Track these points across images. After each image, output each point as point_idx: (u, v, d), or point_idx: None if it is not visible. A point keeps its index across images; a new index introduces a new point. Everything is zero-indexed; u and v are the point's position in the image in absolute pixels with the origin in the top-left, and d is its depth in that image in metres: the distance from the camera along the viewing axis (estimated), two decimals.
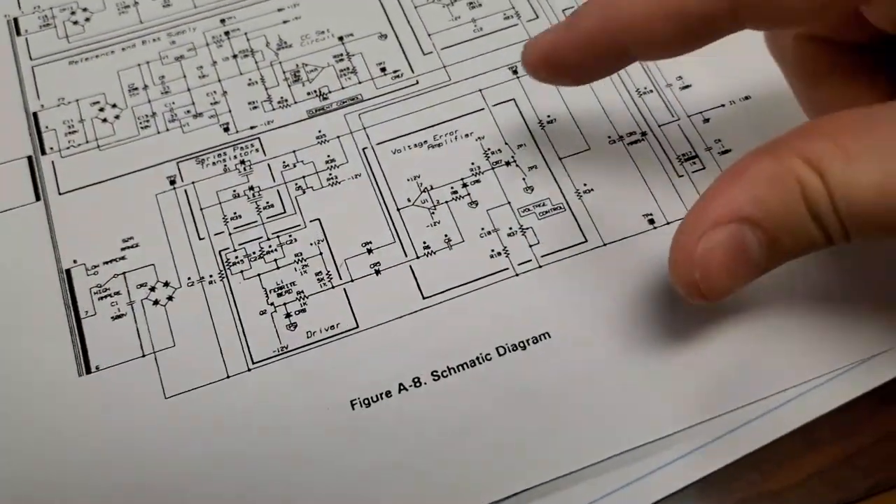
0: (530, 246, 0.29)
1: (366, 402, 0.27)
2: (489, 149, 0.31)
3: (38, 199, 0.31)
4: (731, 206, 0.20)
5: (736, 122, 0.31)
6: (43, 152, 0.31)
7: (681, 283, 0.21)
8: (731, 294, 0.21)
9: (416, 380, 0.27)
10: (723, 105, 0.32)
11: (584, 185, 0.30)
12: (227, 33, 0.34)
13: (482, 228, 0.29)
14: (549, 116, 0.32)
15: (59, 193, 0.31)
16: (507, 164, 0.31)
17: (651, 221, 0.29)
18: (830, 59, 0.26)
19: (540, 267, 0.29)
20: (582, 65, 0.25)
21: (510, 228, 0.29)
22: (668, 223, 0.29)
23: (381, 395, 0.27)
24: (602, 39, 0.23)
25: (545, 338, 0.27)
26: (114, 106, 0.32)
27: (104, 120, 0.32)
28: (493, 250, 0.29)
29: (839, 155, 0.19)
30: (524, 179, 0.30)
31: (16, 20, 0.35)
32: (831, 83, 0.26)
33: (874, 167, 0.19)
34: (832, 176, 0.19)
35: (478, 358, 0.27)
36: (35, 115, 0.32)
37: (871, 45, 0.25)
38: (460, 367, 0.27)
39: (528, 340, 0.27)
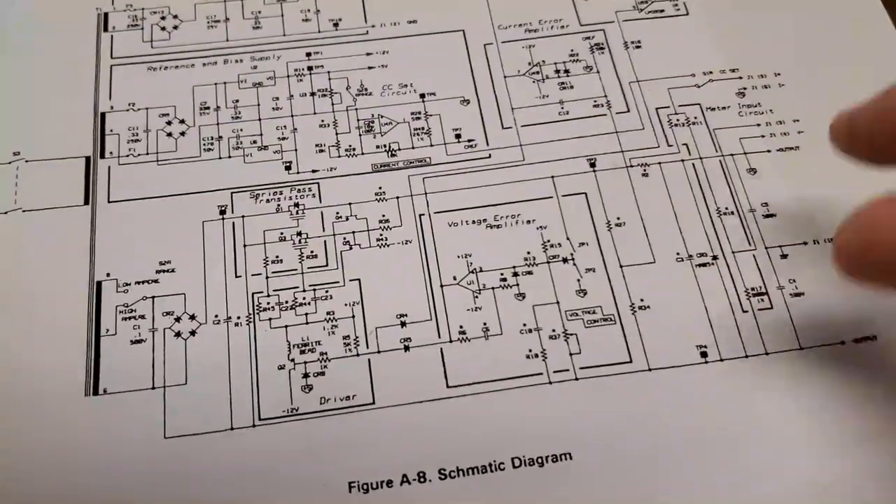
0: (571, 354, 0.27)
1: (364, 487, 0.25)
2: (549, 241, 0.29)
3: (86, 202, 0.30)
4: None
5: (815, 265, 0.29)
6: (102, 156, 0.31)
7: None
8: None
9: (421, 474, 0.26)
10: (805, 243, 0.29)
11: (641, 300, 0.28)
12: (310, 68, 0.33)
13: (524, 324, 0.28)
14: (618, 219, 0.30)
15: (109, 201, 0.30)
16: (565, 260, 0.29)
17: (704, 355, 0.27)
18: None
19: (576, 379, 0.27)
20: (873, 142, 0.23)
21: (553, 331, 0.28)
22: (721, 360, 0.27)
23: (381, 483, 0.25)
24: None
25: (566, 458, 0.26)
26: (182, 122, 0.32)
27: (169, 134, 0.31)
28: (530, 350, 0.28)
29: None
30: (579, 281, 0.29)
31: (106, 15, 0.34)
32: None
33: None
34: None
35: (490, 465, 0.26)
36: (103, 115, 0.32)
37: None
38: (470, 471, 0.26)
39: (547, 457, 0.26)
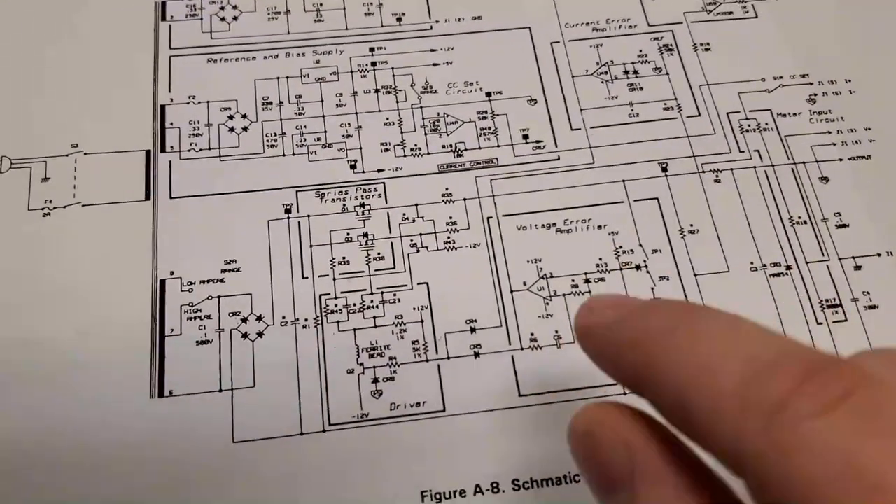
0: None
1: (437, 496, 0.25)
2: (621, 247, 0.29)
3: (147, 198, 0.29)
4: None
5: (891, 277, 0.29)
6: (163, 150, 0.30)
7: None
8: None
9: (494, 485, 0.25)
10: (879, 254, 0.29)
11: None
12: (373, 64, 0.32)
13: None
14: (692, 226, 0.29)
15: (170, 197, 0.29)
16: (638, 268, 0.29)
17: None
18: None
19: None
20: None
21: None
22: None
23: (454, 492, 0.25)
24: None
25: None
26: (244, 116, 0.31)
27: (231, 129, 0.31)
28: None
29: None
30: (652, 290, 0.28)
31: (163, 4, 0.34)
32: None
33: None
34: None
35: (565, 477, 0.25)
36: (163, 108, 0.31)
37: None
38: (544, 483, 0.25)
39: None
